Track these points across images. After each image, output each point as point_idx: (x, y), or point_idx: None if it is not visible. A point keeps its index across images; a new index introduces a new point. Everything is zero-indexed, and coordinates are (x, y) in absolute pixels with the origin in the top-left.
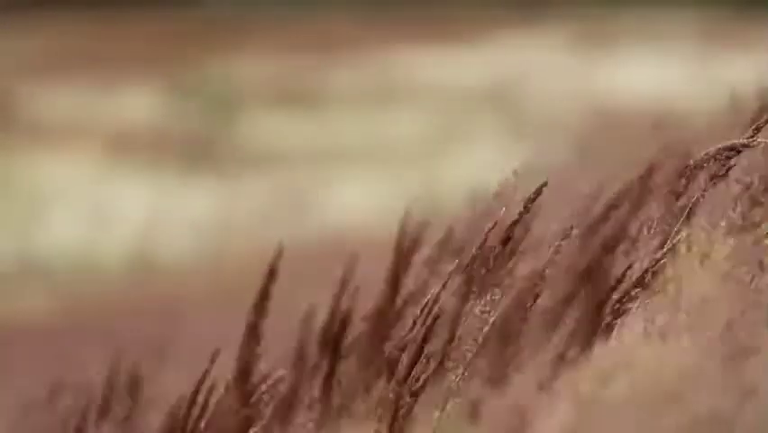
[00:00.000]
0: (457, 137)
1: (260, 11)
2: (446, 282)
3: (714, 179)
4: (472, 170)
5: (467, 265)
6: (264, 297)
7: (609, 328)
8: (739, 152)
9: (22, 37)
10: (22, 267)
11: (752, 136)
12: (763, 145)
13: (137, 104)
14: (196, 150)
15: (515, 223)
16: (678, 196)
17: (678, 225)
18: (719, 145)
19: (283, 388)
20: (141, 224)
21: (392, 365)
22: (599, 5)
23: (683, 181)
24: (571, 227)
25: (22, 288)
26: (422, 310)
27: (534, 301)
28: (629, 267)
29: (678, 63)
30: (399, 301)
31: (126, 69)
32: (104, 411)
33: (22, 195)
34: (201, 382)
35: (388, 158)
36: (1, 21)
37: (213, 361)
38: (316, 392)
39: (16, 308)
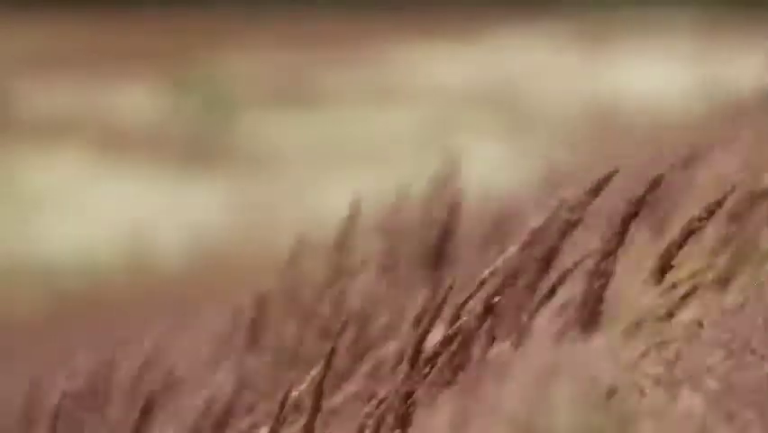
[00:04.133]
0: (456, 136)
1: (260, 10)
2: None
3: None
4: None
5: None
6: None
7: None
8: None
9: (22, 35)
10: (20, 266)
11: None
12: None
13: (136, 102)
14: (195, 148)
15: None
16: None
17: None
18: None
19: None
20: (140, 223)
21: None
22: (600, 5)
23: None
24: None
25: (18, 287)
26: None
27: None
28: None
29: (678, 63)
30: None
31: (126, 67)
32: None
33: (19, 193)
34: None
35: (387, 157)
36: (1, 20)
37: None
38: None
39: (13, 308)
